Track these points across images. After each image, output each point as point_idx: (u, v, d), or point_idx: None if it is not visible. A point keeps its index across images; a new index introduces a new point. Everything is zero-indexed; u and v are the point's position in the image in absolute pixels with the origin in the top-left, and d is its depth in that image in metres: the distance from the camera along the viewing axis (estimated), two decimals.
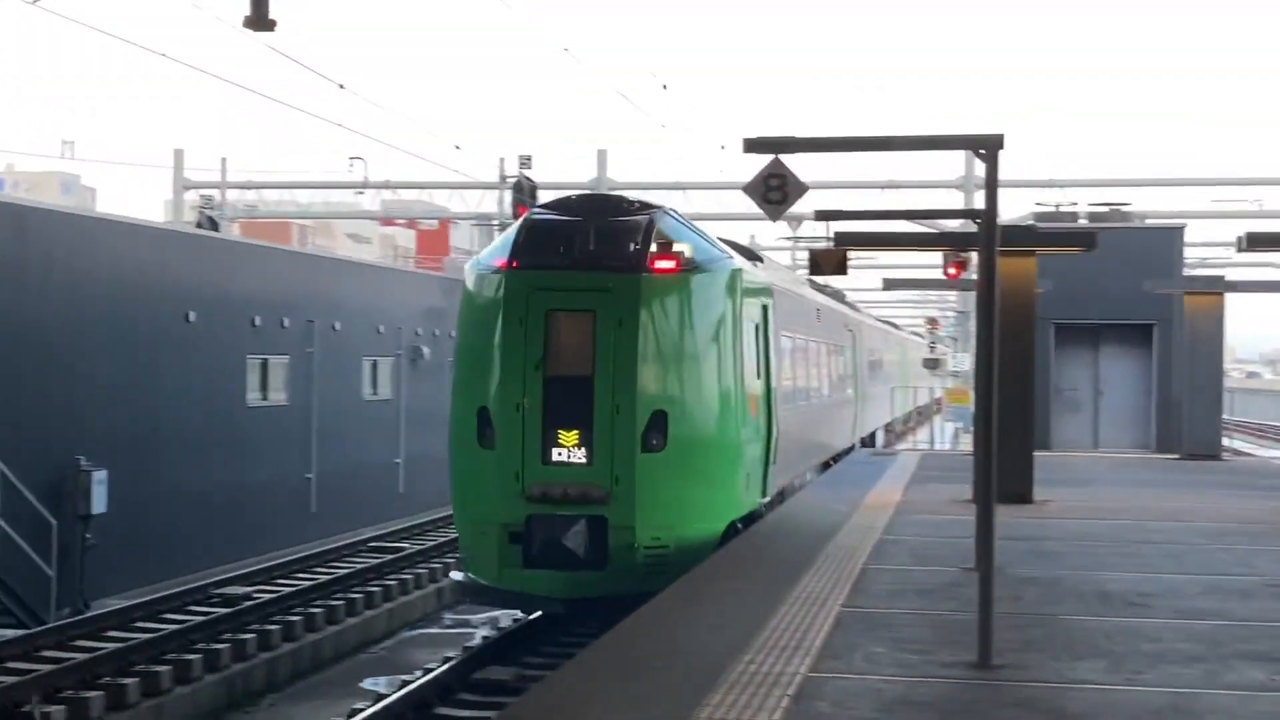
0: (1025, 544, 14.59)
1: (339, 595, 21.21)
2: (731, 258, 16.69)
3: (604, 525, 14.89)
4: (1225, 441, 30.39)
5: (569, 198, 16.88)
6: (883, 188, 46.53)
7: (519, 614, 17.93)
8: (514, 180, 38.75)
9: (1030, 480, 18.97)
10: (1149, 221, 38.81)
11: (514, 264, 15.24)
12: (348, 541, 27.24)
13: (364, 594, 21.14)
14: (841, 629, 10.08)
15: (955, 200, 46.72)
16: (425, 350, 35.65)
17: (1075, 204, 38.11)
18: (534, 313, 15.01)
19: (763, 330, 17.84)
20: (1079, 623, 10.42)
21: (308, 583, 22.12)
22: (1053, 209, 35.50)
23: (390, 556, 24.54)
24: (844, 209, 14.82)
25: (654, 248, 15.29)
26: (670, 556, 15.06)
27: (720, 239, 17.66)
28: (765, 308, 18.07)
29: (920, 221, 45.11)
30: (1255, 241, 19.10)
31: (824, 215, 14.32)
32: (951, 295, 70.57)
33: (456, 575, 15.96)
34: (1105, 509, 18.52)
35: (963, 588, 11.54)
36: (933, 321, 64.92)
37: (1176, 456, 27.89)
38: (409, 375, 35.42)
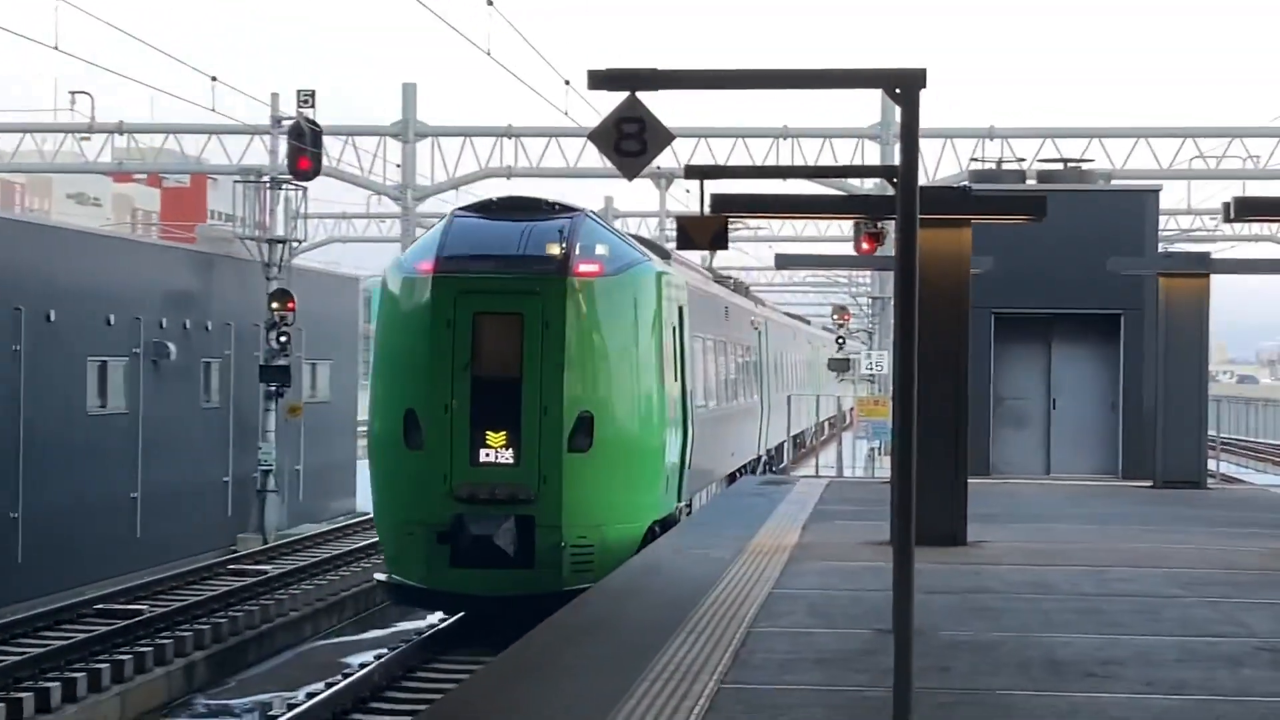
0: (956, 598, 14.90)
1: (53, 674, 20.70)
2: (650, 259, 21.13)
3: (531, 524, 19.34)
4: (1211, 465, 31.09)
5: (490, 200, 21.33)
6: (777, 137, 46.99)
7: (306, 691, 20.13)
8: (290, 123, 38.43)
9: (963, 516, 19.26)
10: (1116, 183, 39.65)
11: (440, 267, 19.49)
12: (66, 603, 26.95)
13: (87, 673, 20.64)
14: (718, 713, 10.07)
15: (870, 155, 47.36)
16: (172, 348, 35.15)
17: (1022, 160, 38.89)
18: (461, 315, 19.08)
19: (679, 332, 22.30)
20: (1022, 700, 10.58)
21: (12, 658, 21.53)
22: (993, 167, 36.07)
23: (122, 623, 24.08)
24: (723, 164, 14.94)
25: (578, 251, 19.61)
26: (595, 555, 19.53)
27: (632, 235, 21.99)
28: (681, 309, 22.54)
29: (823, 182, 45.82)
30: (1247, 209, 19.57)
31: (696, 172, 14.41)
32: (865, 276, 71.36)
33: (380, 577, 20.38)
34: (1059, 552, 18.86)
35: (876, 655, 11.72)
36: (842, 311, 65.59)
37: (1149, 485, 28.41)
38: (150, 381, 34.97)
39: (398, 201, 48.00)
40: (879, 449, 42.20)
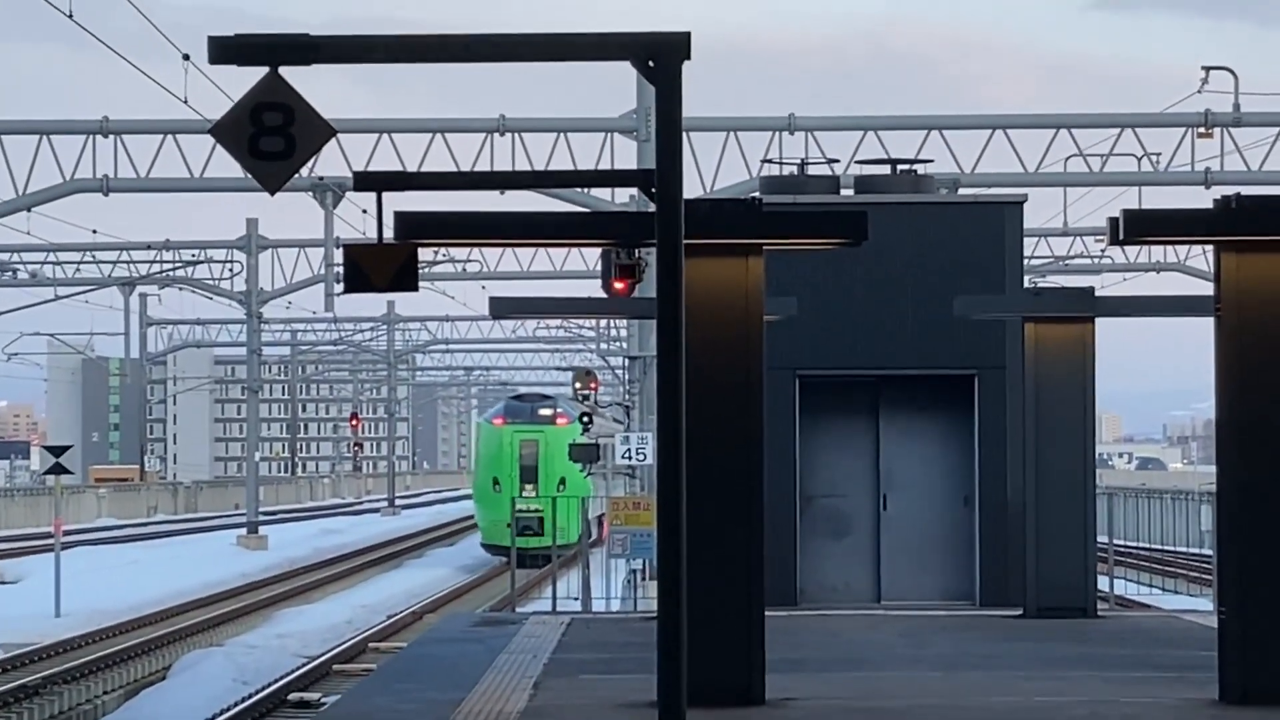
0: None
1: None
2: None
3: (542, 520, 74.67)
4: (1103, 585, 31.71)
5: (522, 394, 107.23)
6: (491, 131, 47.09)
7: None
8: None
9: (760, 664, 19.39)
10: (964, 192, 40.42)
11: (505, 421, 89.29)
12: None
13: None
14: None
15: (624, 156, 47.60)
16: None
17: (835, 161, 39.49)
18: (515, 441, 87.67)
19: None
20: None
21: None
22: (794, 172, 36.53)
23: None
24: (412, 170, 14.90)
25: (557, 413, 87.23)
26: (567, 533, 69.25)
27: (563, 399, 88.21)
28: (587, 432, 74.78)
29: (558, 195, 45.91)
30: (1140, 227, 20.02)
31: (372, 181, 14.37)
32: (622, 326, 71.89)
33: (481, 541, 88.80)
34: (893, 713, 19.18)
35: None
36: (587, 377, 66.20)
37: (1018, 614, 28.93)
38: None
39: None
40: (642, 571, 42.31)
